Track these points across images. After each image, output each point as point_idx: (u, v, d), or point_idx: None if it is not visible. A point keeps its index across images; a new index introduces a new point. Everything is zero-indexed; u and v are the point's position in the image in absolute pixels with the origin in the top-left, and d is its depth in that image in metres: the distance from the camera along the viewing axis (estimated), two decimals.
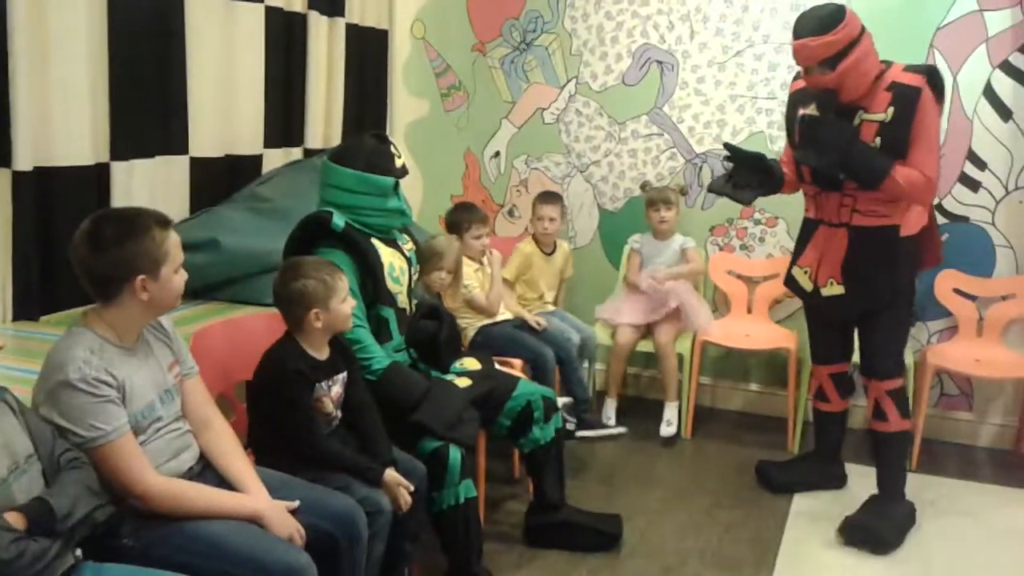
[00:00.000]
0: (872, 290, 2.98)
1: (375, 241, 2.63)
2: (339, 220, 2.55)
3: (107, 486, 1.79)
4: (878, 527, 2.97)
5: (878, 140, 2.83)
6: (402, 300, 2.71)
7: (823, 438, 3.43)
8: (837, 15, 2.74)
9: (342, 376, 2.40)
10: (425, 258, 3.10)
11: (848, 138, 2.83)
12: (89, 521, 1.68)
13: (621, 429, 3.90)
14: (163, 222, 1.92)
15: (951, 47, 3.72)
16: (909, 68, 2.86)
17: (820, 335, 3.31)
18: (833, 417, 3.38)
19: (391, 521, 2.25)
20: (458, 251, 3.25)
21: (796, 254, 3.20)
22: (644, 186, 4.11)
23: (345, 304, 2.35)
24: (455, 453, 2.52)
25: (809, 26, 2.77)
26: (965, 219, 3.83)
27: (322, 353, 2.36)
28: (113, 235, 1.84)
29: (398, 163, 2.65)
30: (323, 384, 2.33)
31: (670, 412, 3.96)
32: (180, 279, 1.95)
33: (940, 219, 3.82)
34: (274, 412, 2.28)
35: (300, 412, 2.26)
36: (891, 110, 2.80)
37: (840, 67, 2.77)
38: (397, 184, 2.64)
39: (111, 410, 1.81)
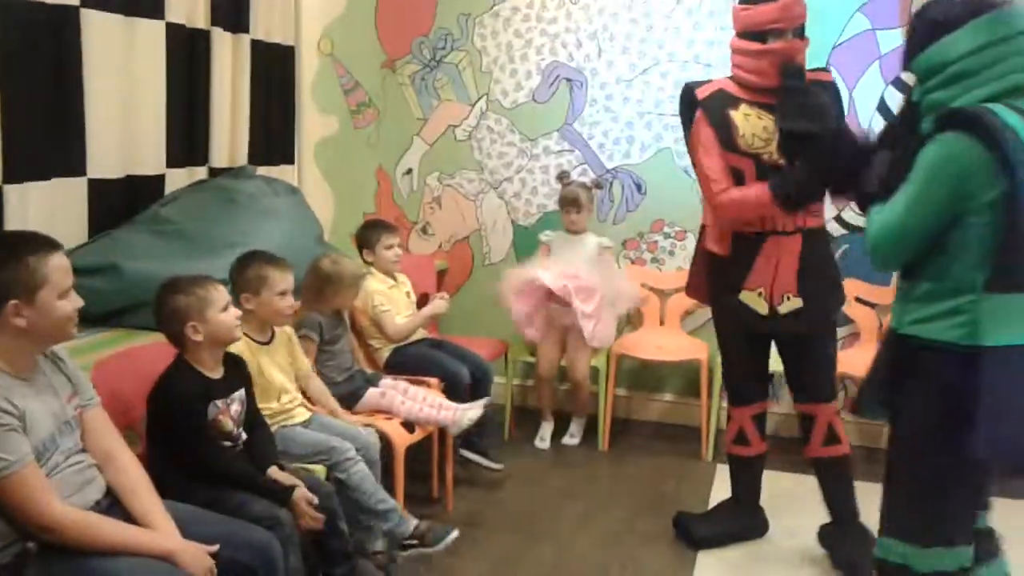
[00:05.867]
0: (826, 297, 2.88)
1: None
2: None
3: (12, 521, 1.72)
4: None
5: None
6: None
7: (745, 485, 3.13)
8: None
9: (239, 394, 2.40)
10: (318, 287, 3.03)
11: (835, 118, 2.72)
12: None
13: (500, 466, 3.63)
14: (44, 246, 1.85)
15: (847, 64, 3.88)
16: None
17: (745, 371, 3.05)
18: (754, 461, 3.10)
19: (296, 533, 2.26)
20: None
21: (738, 278, 2.86)
22: (561, 177, 4.11)
23: (226, 314, 2.33)
24: None
25: None
26: (862, 230, 3.98)
27: (216, 371, 2.36)
28: None
29: None
30: (218, 403, 2.31)
31: (575, 427, 4.11)
32: (66, 305, 1.87)
33: (840, 230, 3.97)
34: (171, 436, 2.26)
35: (195, 432, 2.26)
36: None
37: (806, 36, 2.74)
38: None
39: (14, 439, 1.74)
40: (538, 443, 3.94)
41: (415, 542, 2.74)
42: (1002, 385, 1.88)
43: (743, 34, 2.76)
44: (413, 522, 2.75)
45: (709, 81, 2.94)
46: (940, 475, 2.01)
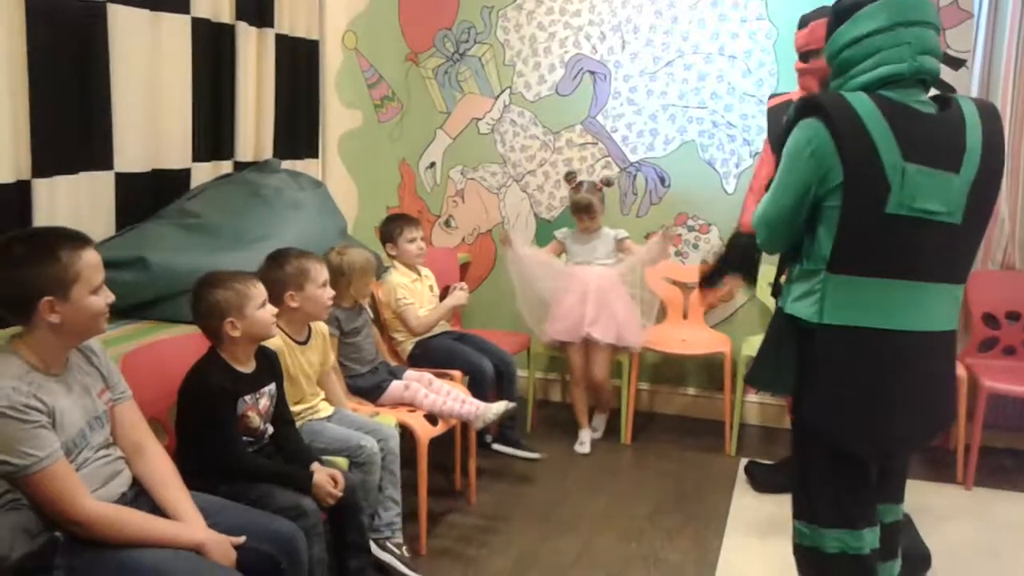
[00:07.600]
0: None
1: None
2: None
3: (42, 514, 1.74)
4: None
5: None
6: None
7: None
8: None
9: (269, 388, 2.41)
10: (331, 281, 3.00)
11: None
12: (24, 559, 1.63)
13: (536, 455, 3.75)
14: (78, 241, 1.86)
15: None
16: None
17: None
18: None
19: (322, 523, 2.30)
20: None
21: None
22: (569, 177, 4.00)
23: (264, 311, 2.33)
24: None
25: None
26: None
27: (247, 366, 2.36)
28: (19, 255, 1.80)
29: None
30: (247, 398, 2.32)
31: (597, 421, 4.09)
32: (98, 301, 1.89)
33: None
34: (196, 427, 2.28)
35: (222, 427, 2.27)
36: None
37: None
38: None
39: (43, 435, 1.76)
40: (578, 448, 3.89)
41: (395, 549, 2.75)
42: (835, 362, 1.98)
43: (799, 55, 3.09)
44: (399, 539, 2.78)
45: (787, 93, 3.22)
46: (818, 453, 2.07)
